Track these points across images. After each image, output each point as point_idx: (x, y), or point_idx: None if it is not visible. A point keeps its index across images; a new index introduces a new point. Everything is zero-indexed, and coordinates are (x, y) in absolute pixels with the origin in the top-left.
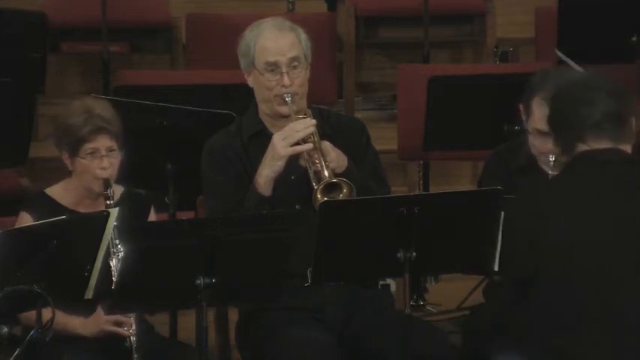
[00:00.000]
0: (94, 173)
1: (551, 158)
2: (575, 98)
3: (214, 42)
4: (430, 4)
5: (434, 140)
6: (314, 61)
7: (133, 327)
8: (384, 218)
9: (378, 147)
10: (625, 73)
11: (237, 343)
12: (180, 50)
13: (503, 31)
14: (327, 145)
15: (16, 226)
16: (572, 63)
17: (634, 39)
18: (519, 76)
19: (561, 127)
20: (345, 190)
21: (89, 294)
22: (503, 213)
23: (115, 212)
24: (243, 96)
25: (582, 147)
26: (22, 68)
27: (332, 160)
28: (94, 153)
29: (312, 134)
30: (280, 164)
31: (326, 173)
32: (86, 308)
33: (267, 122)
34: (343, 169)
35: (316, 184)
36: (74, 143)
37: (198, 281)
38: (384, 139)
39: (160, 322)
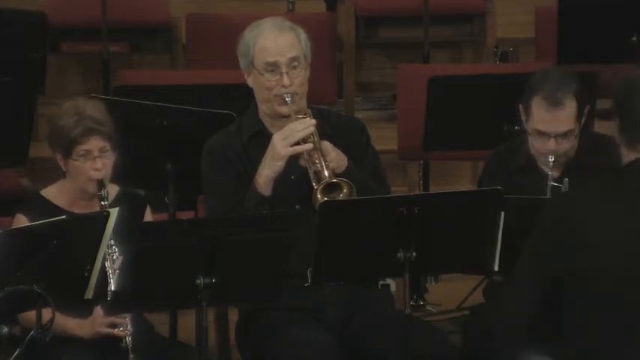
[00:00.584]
0: (87, 175)
1: (551, 159)
2: None
3: (214, 42)
4: (430, 4)
5: (434, 140)
6: (314, 61)
7: (129, 327)
8: (384, 218)
9: (378, 147)
10: (625, 73)
11: (237, 343)
12: (180, 50)
13: (503, 31)
14: (327, 145)
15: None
16: None
17: (634, 39)
18: (519, 76)
19: (627, 123)
20: (345, 190)
21: (89, 294)
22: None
23: (115, 212)
24: (243, 96)
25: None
26: (22, 68)
27: (332, 160)
28: (86, 154)
29: (312, 134)
30: (280, 164)
31: (326, 173)
32: (83, 309)
33: (267, 122)
34: (343, 169)
35: (316, 184)
36: (66, 145)
37: (198, 281)
38: (384, 139)
39: (160, 322)
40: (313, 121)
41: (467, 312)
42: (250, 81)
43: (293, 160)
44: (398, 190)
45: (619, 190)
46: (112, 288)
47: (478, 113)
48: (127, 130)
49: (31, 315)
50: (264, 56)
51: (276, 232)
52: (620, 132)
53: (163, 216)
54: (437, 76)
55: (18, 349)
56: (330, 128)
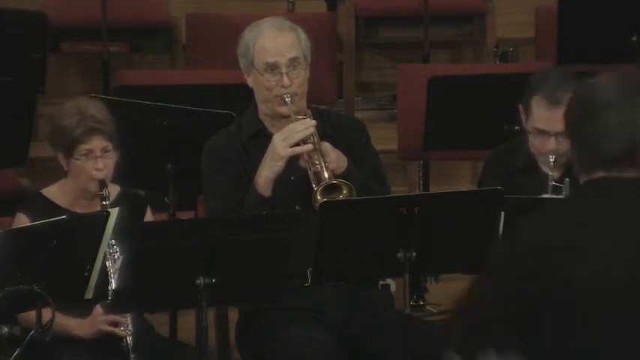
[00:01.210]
0: (88, 174)
1: (551, 158)
2: (604, 124)
3: (214, 42)
4: (430, 4)
5: (434, 140)
6: (314, 61)
7: (130, 327)
8: (384, 218)
9: (378, 147)
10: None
11: (237, 343)
12: (180, 50)
13: (503, 31)
14: (327, 146)
15: (16, 227)
16: None
17: (634, 39)
18: (519, 76)
19: (581, 149)
20: (344, 191)
21: (89, 294)
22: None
23: (115, 212)
24: (243, 96)
25: (601, 174)
26: (22, 68)
27: (332, 161)
28: (88, 154)
29: (312, 135)
30: (280, 165)
31: (326, 174)
32: (83, 309)
33: (267, 122)
34: (343, 169)
35: (316, 186)
36: (68, 144)
37: (198, 281)
38: (384, 139)
39: (160, 322)
40: (313, 122)
41: None
42: (250, 81)
43: (293, 161)
44: (398, 190)
45: (592, 212)
46: (113, 288)
47: (478, 113)
48: (127, 130)
49: (31, 315)
50: (264, 56)
51: (276, 232)
52: (576, 161)
53: (163, 216)
54: (437, 76)
55: (18, 349)
56: (330, 129)
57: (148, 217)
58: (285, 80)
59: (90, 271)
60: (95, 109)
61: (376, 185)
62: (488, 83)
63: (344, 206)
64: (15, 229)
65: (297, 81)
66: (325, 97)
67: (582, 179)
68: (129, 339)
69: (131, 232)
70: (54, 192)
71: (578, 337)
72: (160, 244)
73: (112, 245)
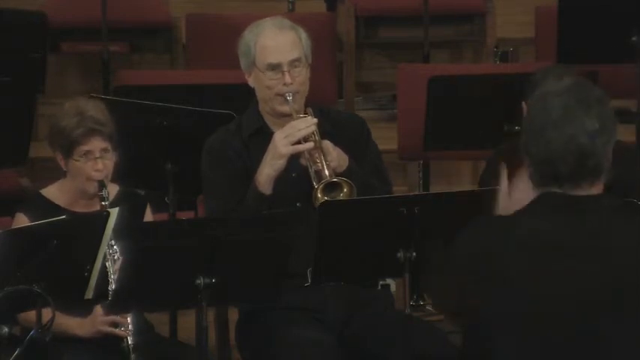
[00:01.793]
0: (88, 175)
1: None
2: (552, 144)
3: (214, 42)
4: (430, 4)
5: (434, 140)
6: (314, 61)
7: (130, 327)
8: (384, 218)
9: (378, 147)
10: (625, 73)
11: (237, 343)
12: (180, 50)
13: (503, 31)
14: (327, 144)
15: (15, 227)
16: None
17: (634, 39)
18: (519, 76)
19: (533, 167)
20: (345, 190)
21: (89, 294)
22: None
23: (115, 212)
24: (243, 96)
25: (555, 189)
26: (22, 68)
27: (333, 159)
28: (87, 155)
29: (313, 133)
30: (281, 163)
31: (327, 172)
32: (82, 309)
33: (268, 121)
34: (344, 168)
35: (317, 184)
36: (67, 145)
37: (198, 281)
38: (384, 139)
39: (160, 322)
40: (314, 120)
41: None
42: (251, 80)
43: (294, 158)
44: (398, 190)
45: (539, 226)
46: (113, 288)
47: (478, 113)
48: (127, 130)
49: (31, 315)
50: (266, 56)
51: (276, 232)
52: (531, 176)
53: (163, 216)
54: (437, 76)
55: (18, 349)
56: (330, 125)
57: (148, 217)
58: (287, 78)
59: (90, 271)
60: (94, 109)
61: (378, 183)
62: (488, 83)
63: (344, 206)
64: (15, 229)
65: (298, 79)
66: (325, 97)
67: (537, 192)
68: (129, 339)
69: (131, 232)
70: (53, 192)
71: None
72: (160, 244)
73: (112, 245)
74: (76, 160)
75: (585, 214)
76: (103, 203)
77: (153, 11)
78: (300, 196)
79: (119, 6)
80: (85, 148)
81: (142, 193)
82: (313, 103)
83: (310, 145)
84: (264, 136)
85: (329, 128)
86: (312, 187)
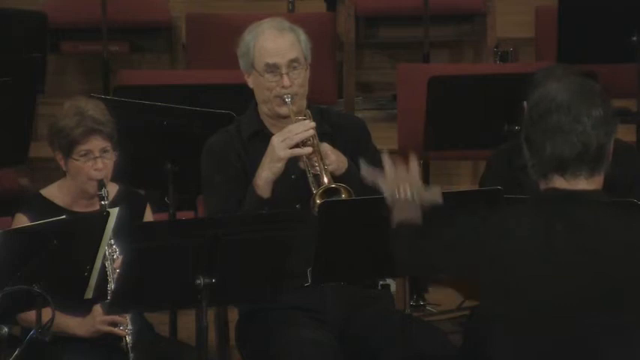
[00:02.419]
0: (87, 174)
1: None
2: (556, 126)
3: (214, 42)
4: (430, 4)
5: (434, 140)
6: (314, 61)
7: (129, 326)
8: (384, 218)
9: (378, 147)
10: (625, 73)
11: (237, 343)
12: (180, 50)
13: (503, 31)
14: (326, 147)
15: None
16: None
17: (634, 39)
18: (519, 76)
19: (534, 153)
20: (343, 195)
21: (89, 294)
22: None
23: (114, 212)
24: (243, 96)
25: (558, 180)
26: (22, 68)
27: (331, 162)
28: (87, 155)
29: (312, 137)
30: (279, 166)
31: (325, 179)
32: (82, 308)
33: (267, 122)
34: (343, 171)
35: (315, 189)
36: (67, 145)
37: (198, 281)
38: (384, 139)
39: (160, 322)
40: (313, 124)
41: (467, 312)
42: (250, 82)
43: (294, 160)
44: None
45: (538, 223)
46: (112, 288)
47: (478, 113)
48: (127, 130)
49: (31, 315)
50: (264, 57)
51: (276, 232)
52: (531, 165)
53: (163, 216)
54: (437, 76)
55: (18, 349)
56: (330, 126)
57: (148, 216)
58: (286, 81)
59: (90, 271)
60: (94, 109)
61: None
62: (489, 83)
63: (344, 206)
64: (15, 229)
65: (297, 81)
66: (325, 97)
67: (541, 186)
68: (128, 338)
69: (131, 232)
70: (53, 192)
71: None
72: (160, 244)
73: (112, 245)
74: (76, 160)
75: (583, 212)
76: (102, 203)
77: (153, 11)
78: (299, 198)
79: (119, 6)
80: (85, 147)
81: (142, 193)
82: (313, 104)
83: (308, 149)
84: (262, 138)
85: (328, 129)
86: (311, 190)
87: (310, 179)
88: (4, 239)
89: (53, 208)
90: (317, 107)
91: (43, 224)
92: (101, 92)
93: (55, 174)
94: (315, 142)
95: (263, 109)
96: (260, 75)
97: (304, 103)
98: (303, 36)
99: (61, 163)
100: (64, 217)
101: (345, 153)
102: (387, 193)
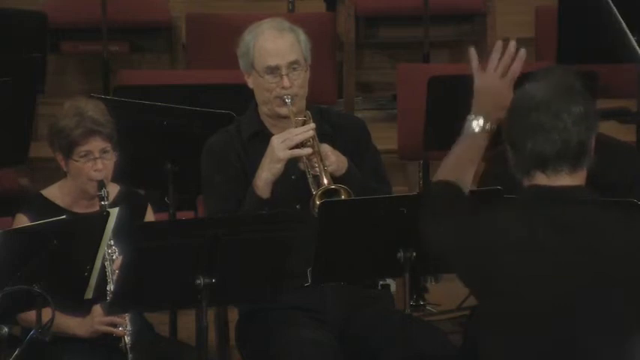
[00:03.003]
0: (87, 175)
1: None
2: (536, 124)
3: (214, 42)
4: (430, 4)
5: (434, 140)
6: (314, 61)
7: (128, 327)
8: (384, 218)
9: (378, 147)
10: (625, 73)
11: (237, 343)
12: (180, 50)
13: (503, 31)
14: (326, 148)
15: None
16: None
17: (634, 39)
18: (519, 76)
19: (516, 150)
20: (343, 196)
21: (89, 294)
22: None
23: (114, 212)
24: (243, 96)
25: (540, 177)
26: (22, 68)
27: (331, 163)
28: (87, 155)
29: (312, 138)
30: (279, 167)
31: (325, 180)
32: (82, 308)
33: (268, 123)
34: (343, 171)
35: (315, 189)
36: (67, 146)
37: (198, 281)
38: (384, 139)
39: (160, 322)
40: (312, 125)
41: (467, 312)
42: (250, 82)
43: (294, 160)
44: (398, 190)
45: (521, 221)
46: (112, 288)
47: None
48: (127, 130)
49: (31, 315)
50: (264, 58)
51: (276, 232)
52: (514, 166)
53: (163, 216)
54: (437, 76)
55: (18, 349)
56: (330, 127)
57: (149, 216)
58: (286, 82)
59: (90, 271)
60: (94, 110)
61: (377, 185)
62: None
63: (344, 206)
64: (15, 229)
65: (297, 82)
66: (325, 97)
67: (524, 184)
68: (127, 339)
69: (131, 232)
70: (53, 192)
71: None
72: (160, 244)
73: (111, 245)
74: (76, 161)
75: (564, 209)
76: (102, 203)
77: (153, 11)
78: (299, 199)
79: (119, 6)
80: (85, 148)
81: (142, 193)
82: (313, 104)
83: (308, 150)
84: (262, 139)
85: (328, 130)
86: (311, 190)
87: (310, 180)
88: (4, 239)
89: (53, 209)
90: (317, 107)
91: (43, 224)
92: (101, 92)
93: (56, 174)
94: (315, 143)
95: (263, 109)
96: (260, 76)
97: (304, 103)
98: (303, 36)
99: (62, 163)
100: (64, 217)
101: (345, 153)
102: (473, 107)
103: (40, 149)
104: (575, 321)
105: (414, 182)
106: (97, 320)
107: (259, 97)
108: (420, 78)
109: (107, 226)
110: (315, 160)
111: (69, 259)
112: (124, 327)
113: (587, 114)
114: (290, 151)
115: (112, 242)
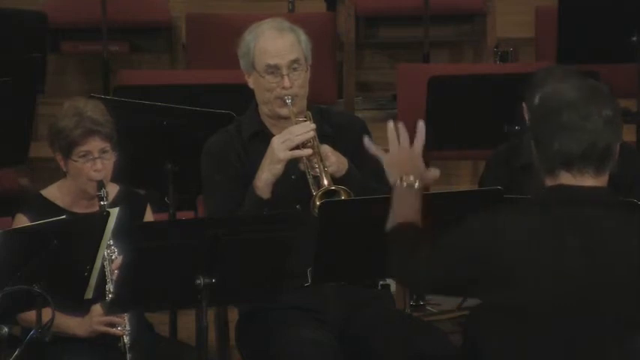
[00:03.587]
0: (87, 175)
1: None
2: (566, 123)
3: (214, 42)
4: (430, 4)
5: (434, 140)
6: (314, 61)
7: (127, 327)
8: (384, 218)
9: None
10: (625, 73)
11: (237, 343)
12: (180, 50)
13: (503, 31)
14: (326, 149)
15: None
16: None
17: (634, 39)
18: (519, 76)
19: (542, 149)
20: (343, 197)
21: (89, 294)
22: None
23: (114, 212)
24: (244, 96)
25: (565, 176)
26: (22, 68)
27: (332, 164)
28: (86, 155)
29: (312, 139)
30: (279, 167)
31: (325, 181)
32: (81, 308)
33: (268, 123)
34: (343, 172)
35: (315, 190)
36: (66, 146)
37: (198, 281)
38: (384, 139)
39: (160, 322)
40: (313, 126)
41: (467, 312)
42: (251, 82)
43: (294, 161)
44: None
45: (545, 220)
46: (111, 289)
47: (478, 113)
48: (127, 130)
49: (31, 315)
50: (265, 58)
51: (276, 232)
52: (539, 161)
53: (163, 216)
54: (437, 76)
55: (18, 349)
56: (330, 127)
57: (149, 216)
58: (286, 82)
59: (90, 271)
60: (93, 110)
61: (377, 185)
62: (488, 83)
63: (344, 206)
64: (15, 229)
65: (297, 82)
66: (325, 97)
67: (547, 183)
68: (126, 339)
69: (131, 232)
70: (53, 192)
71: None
72: (160, 244)
73: (110, 246)
74: (75, 161)
75: (590, 210)
76: (101, 203)
77: (153, 11)
78: (299, 199)
79: (119, 6)
80: (84, 148)
81: (142, 193)
82: (314, 104)
83: (308, 151)
84: (263, 139)
85: (329, 130)
86: (311, 190)
87: (310, 181)
88: (4, 239)
89: (53, 209)
90: (317, 107)
91: (43, 224)
92: (101, 92)
93: (55, 174)
94: (315, 143)
95: (263, 109)
96: (260, 76)
97: (305, 103)
98: (303, 36)
99: (61, 163)
100: (64, 217)
101: (345, 153)
102: (390, 178)
103: (40, 149)
104: (600, 320)
105: None
106: (95, 320)
107: (260, 97)
108: (420, 78)
109: (107, 226)
110: (315, 160)
111: (69, 259)
112: (123, 327)
113: (615, 118)
114: (290, 152)
115: (112, 242)
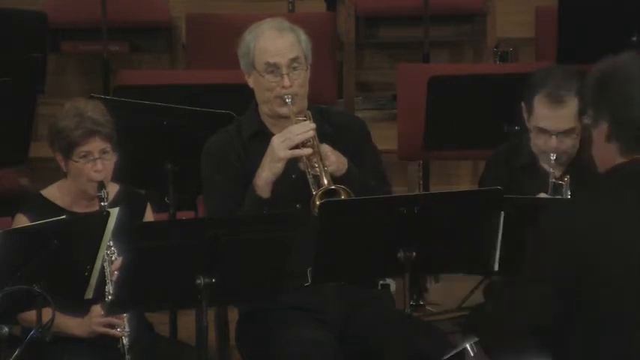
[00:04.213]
0: (87, 176)
1: (552, 157)
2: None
3: (214, 42)
4: (430, 4)
5: (434, 140)
6: (314, 61)
7: (126, 328)
8: (384, 218)
9: (378, 147)
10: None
11: (237, 343)
12: (180, 50)
13: (503, 31)
14: (326, 148)
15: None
16: None
17: (634, 39)
18: (519, 76)
19: (618, 120)
20: (343, 197)
21: (89, 294)
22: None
23: (115, 212)
24: (244, 96)
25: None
26: (22, 68)
27: (331, 163)
28: (86, 156)
29: (312, 138)
30: (279, 166)
31: (325, 180)
32: (81, 308)
33: (268, 122)
34: (343, 171)
35: (315, 190)
36: (67, 146)
37: (198, 281)
38: (384, 139)
39: (160, 322)
40: (313, 125)
41: (467, 312)
42: (251, 82)
43: (294, 160)
44: (398, 190)
45: (621, 198)
46: (111, 289)
47: (478, 113)
48: (127, 130)
49: (31, 315)
50: (265, 58)
51: (276, 232)
52: (615, 139)
53: (163, 216)
54: (437, 76)
55: (18, 349)
56: (330, 127)
57: (149, 216)
58: (286, 81)
59: (90, 271)
60: (93, 110)
61: (377, 185)
62: (488, 83)
63: (344, 206)
64: (15, 229)
65: (297, 82)
66: (325, 97)
67: (617, 161)
68: (125, 340)
69: (131, 232)
70: (53, 192)
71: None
72: (160, 244)
73: (110, 247)
74: (76, 162)
75: None
76: (102, 204)
77: (153, 11)
78: (299, 198)
79: (119, 6)
80: (84, 149)
81: (142, 193)
82: (314, 104)
83: (308, 151)
84: (263, 139)
85: (329, 129)
86: (311, 190)
87: (310, 180)
88: (4, 239)
89: (53, 209)
90: (317, 107)
91: (43, 224)
92: (101, 92)
93: (56, 174)
94: (315, 143)
95: (263, 109)
96: (260, 75)
97: (305, 103)
98: (303, 36)
99: (62, 164)
100: (64, 217)
101: (345, 153)
102: None
103: (40, 149)
104: None
105: (414, 182)
106: (94, 321)
107: (260, 96)
108: (420, 78)
109: (107, 226)
110: (315, 160)
111: (69, 259)
112: (122, 328)
113: None
114: (290, 151)
115: (111, 244)
